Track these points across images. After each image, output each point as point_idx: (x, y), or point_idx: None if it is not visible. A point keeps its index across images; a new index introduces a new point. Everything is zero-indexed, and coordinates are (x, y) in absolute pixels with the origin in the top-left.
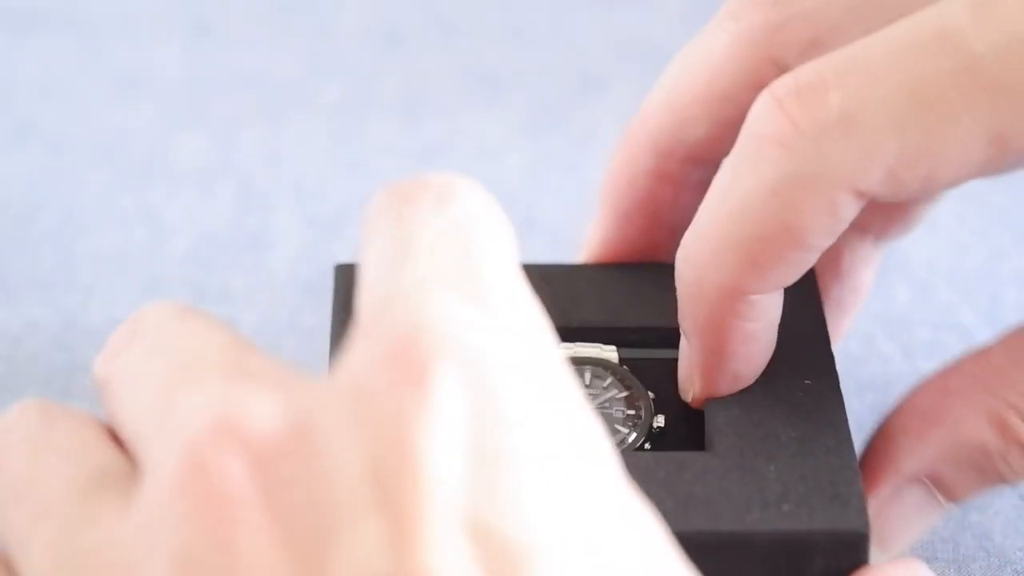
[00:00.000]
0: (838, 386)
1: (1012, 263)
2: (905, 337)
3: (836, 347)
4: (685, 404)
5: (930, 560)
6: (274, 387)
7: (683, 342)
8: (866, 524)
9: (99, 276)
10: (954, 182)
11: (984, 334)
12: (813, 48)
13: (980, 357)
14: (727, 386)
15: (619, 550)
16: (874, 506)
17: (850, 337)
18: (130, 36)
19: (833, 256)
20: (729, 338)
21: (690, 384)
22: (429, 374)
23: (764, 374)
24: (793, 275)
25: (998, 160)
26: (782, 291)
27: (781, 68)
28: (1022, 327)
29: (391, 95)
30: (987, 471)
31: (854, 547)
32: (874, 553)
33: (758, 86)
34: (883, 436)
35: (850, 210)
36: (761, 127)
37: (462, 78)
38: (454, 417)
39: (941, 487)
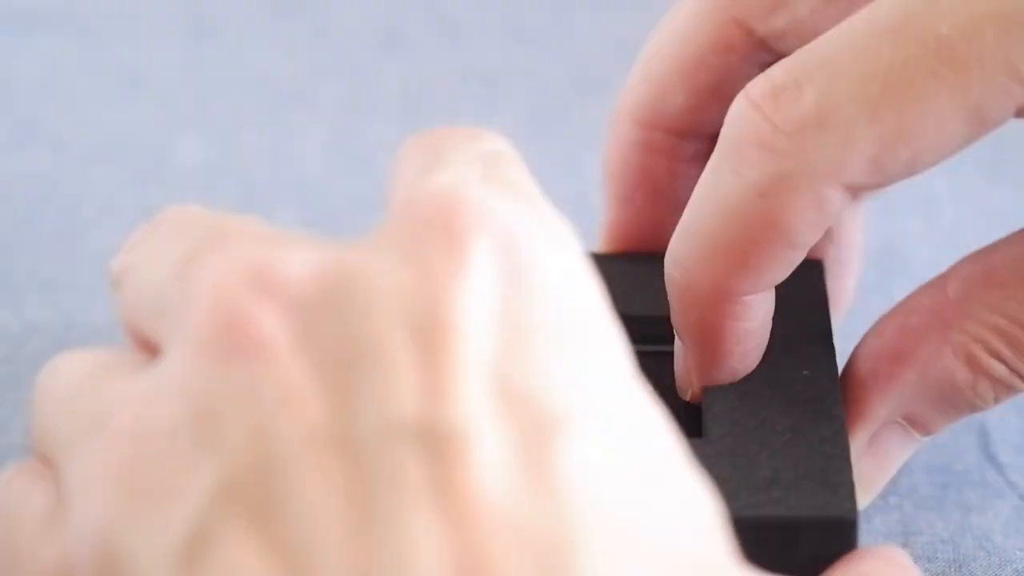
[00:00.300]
0: (836, 377)
1: None
2: None
3: (840, 329)
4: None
5: (930, 560)
6: (308, 245)
7: (678, 342)
8: (854, 511)
9: (101, 276)
10: (938, 160)
11: None
12: (776, 9)
13: (935, 292)
14: (725, 381)
15: (638, 428)
16: (853, 453)
17: (850, 337)
18: (130, 36)
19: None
20: (724, 339)
21: (688, 384)
22: (466, 241)
23: (764, 364)
24: (783, 273)
25: (978, 132)
26: (773, 288)
27: (746, 30)
28: (972, 257)
29: (391, 95)
30: (958, 404)
31: (842, 533)
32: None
33: (726, 50)
34: (852, 383)
35: (837, 204)
36: (739, 130)
37: (462, 78)
38: (489, 284)
39: (915, 424)
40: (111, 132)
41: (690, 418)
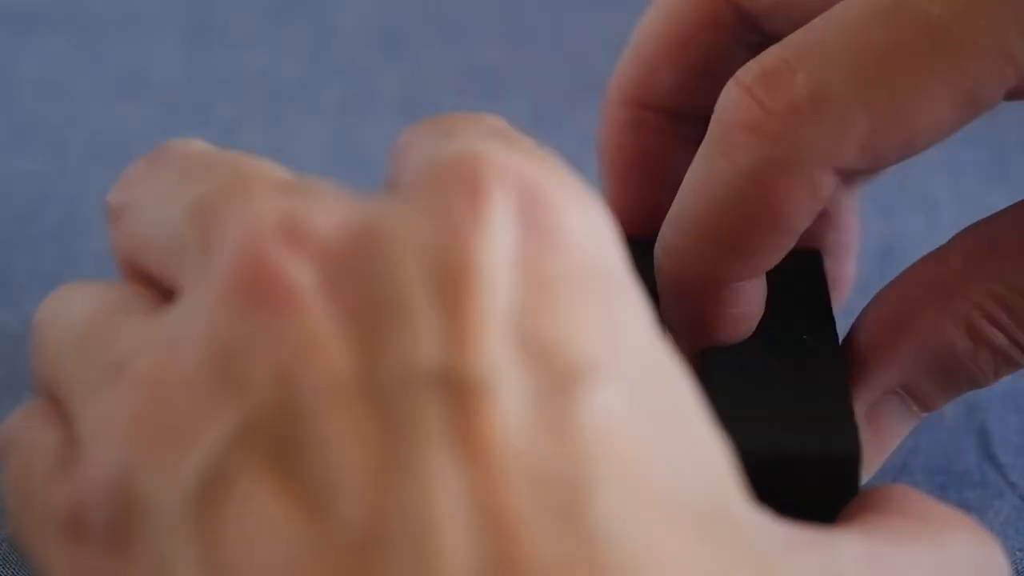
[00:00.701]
0: (836, 340)
1: None
2: None
3: (843, 303)
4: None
5: None
6: (334, 197)
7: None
8: (858, 446)
9: (101, 276)
10: (931, 143)
11: None
12: None
13: (937, 263)
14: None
15: (658, 381)
16: None
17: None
18: (130, 36)
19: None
20: (716, 326)
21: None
22: (488, 194)
23: (763, 333)
24: (775, 259)
25: (970, 115)
26: (764, 275)
27: (734, 7)
28: (974, 228)
29: (391, 95)
30: (958, 376)
31: (845, 469)
32: None
33: (714, 27)
34: (851, 353)
35: (829, 188)
36: (731, 115)
37: (462, 78)
38: (512, 237)
39: (915, 397)
40: (111, 132)
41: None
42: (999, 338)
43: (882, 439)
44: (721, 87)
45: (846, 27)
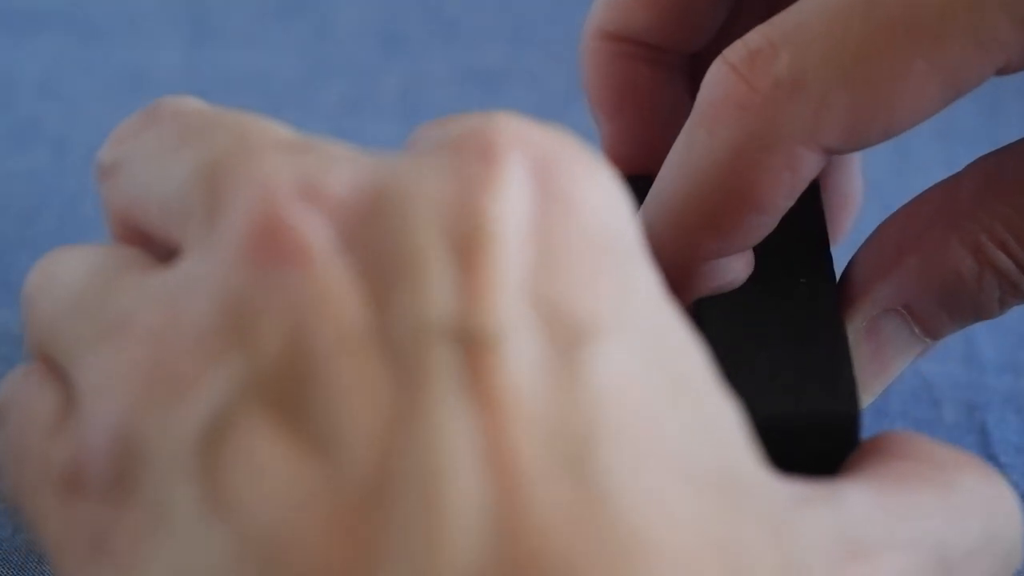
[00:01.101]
0: (835, 285)
1: None
2: None
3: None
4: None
5: None
6: (347, 155)
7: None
8: (856, 406)
9: None
10: (914, 123)
11: (984, 335)
12: None
13: (950, 186)
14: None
15: (668, 344)
16: (851, 337)
17: None
18: (130, 36)
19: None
20: (699, 294)
21: None
22: (503, 157)
23: (759, 274)
24: (756, 237)
25: (953, 96)
26: (751, 251)
27: None
28: (987, 156)
29: (391, 95)
30: (962, 299)
31: (843, 429)
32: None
33: None
34: (855, 268)
35: (811, 167)
36: (717, 92)
37: (462, 78)
38: (526, 199)
39: (916, 318)
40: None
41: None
42: (1006, 262)
43: (882, 358)
44: (697, 27)
45: (830, 8)
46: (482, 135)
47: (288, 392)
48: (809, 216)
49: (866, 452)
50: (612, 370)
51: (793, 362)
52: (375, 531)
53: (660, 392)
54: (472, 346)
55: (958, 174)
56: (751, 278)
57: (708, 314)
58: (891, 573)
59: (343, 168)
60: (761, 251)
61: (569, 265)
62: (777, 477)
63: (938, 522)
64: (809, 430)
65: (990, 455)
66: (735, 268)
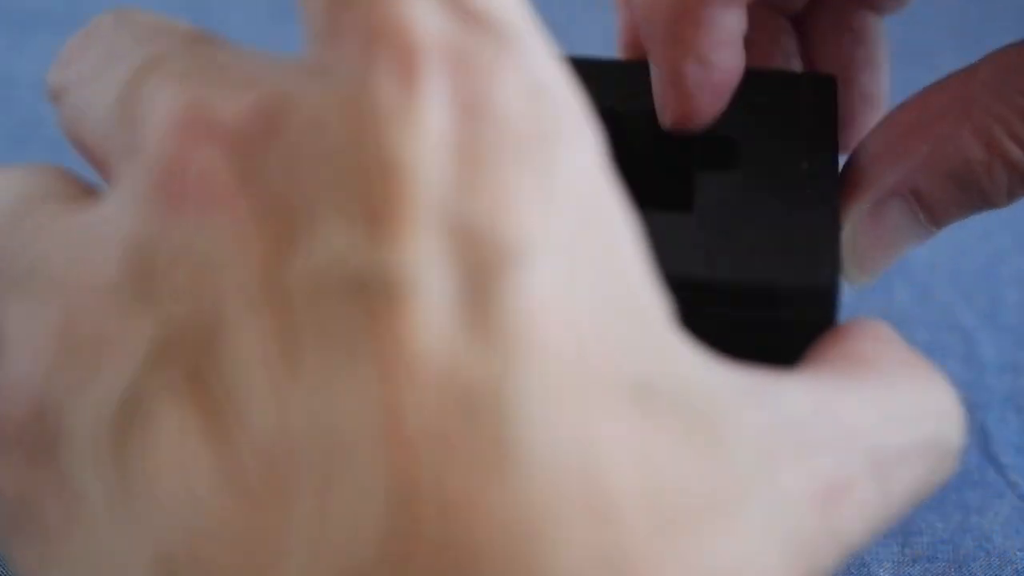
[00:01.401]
0: (836, 169)
1: (1012, 265)
2: (905, 337)
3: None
4: (676, 170)
5: (930, 560)
6: (247, 78)
7: (653, 69)
8: (835, 280)
9: None
10: None
11: (984, 335)
12: None
13: (966, 76)
14: (699, 103)
15: (600, 252)
16: (855, 219)
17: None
18: None
19: (842, 41)
20: (692, 50)
21: (664, 107)
22: (420, 76)
23: (761, 154)
24: None
25: None
26: (744, 9)
27: None
28: (1006, 48)
29: None
30: (969, 187)
31: (820, 302)
32: (854, 274)
33: None
34: (863, 152)
35: None
36: None
37: None
38: (445, 118)
39: (922, 204)
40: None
41: (682, 191)
42: (1016, 152)
43: (885, 241)
44: None
45: None
46: (399, 42)
47: (195, 358)
48: (822, 111)
49: (834, 336)
50: (532, 296)
51: (780, 233)
52: (273, 524)
53: (584, 305)
54: (376, 298)
55: (974, 65)
56: (752, 158)
57: (703, 188)
58: (822, 475)
59: (237, 91)
60: (767, 139)
61: (489, 180)
62: (717, 367)
63: (873, 422)
64: (784, 300)
65: (990, 455)
66: (727, 23)
